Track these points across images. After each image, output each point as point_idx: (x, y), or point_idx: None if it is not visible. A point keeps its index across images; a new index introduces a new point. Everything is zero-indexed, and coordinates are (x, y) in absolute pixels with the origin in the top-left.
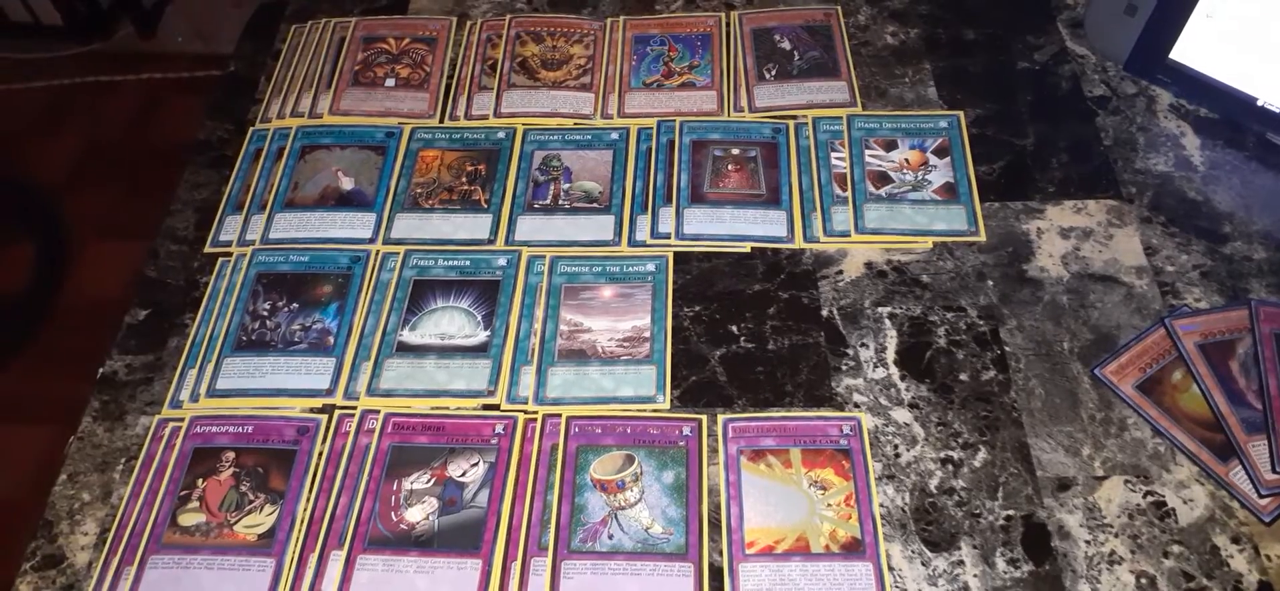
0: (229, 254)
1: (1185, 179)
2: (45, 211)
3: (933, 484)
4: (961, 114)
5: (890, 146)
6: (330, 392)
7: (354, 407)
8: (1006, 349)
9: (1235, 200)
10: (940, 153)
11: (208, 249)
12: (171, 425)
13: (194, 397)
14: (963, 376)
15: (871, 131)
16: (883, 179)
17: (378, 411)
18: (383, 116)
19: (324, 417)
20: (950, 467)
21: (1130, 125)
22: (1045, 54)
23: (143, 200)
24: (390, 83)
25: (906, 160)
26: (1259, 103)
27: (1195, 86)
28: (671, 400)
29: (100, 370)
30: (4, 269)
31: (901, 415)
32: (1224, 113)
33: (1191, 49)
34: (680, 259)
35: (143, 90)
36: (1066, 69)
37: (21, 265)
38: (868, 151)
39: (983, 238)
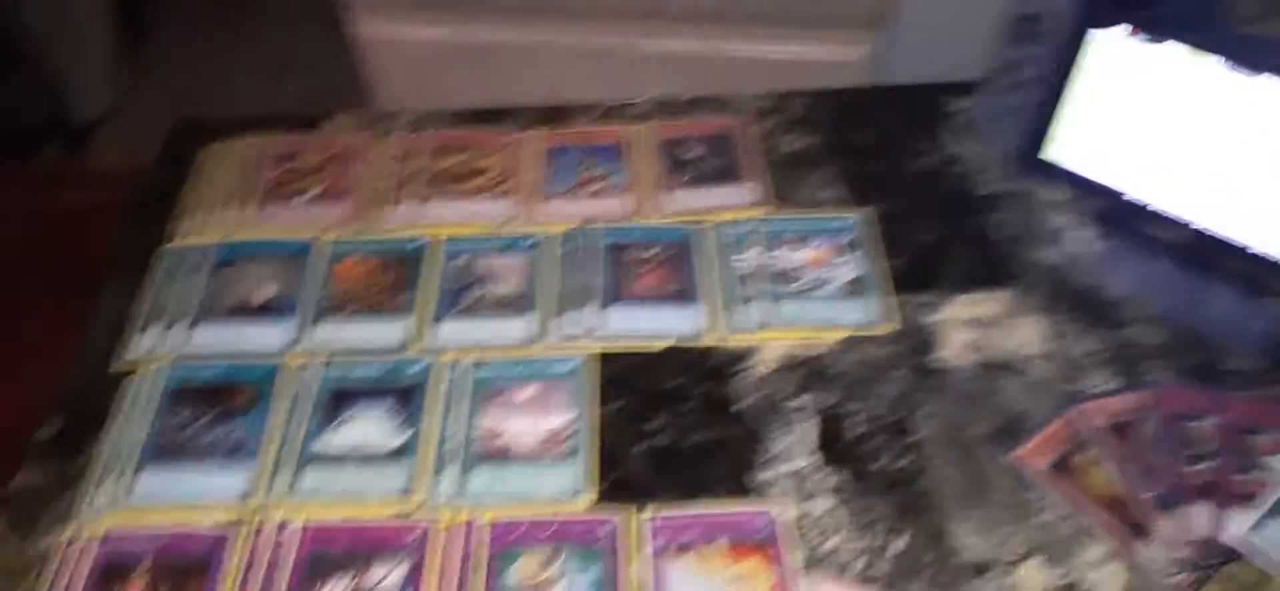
0: (145, 368)
1: (1079, 268)
2: None
3: (854, 572)
4: (865, 213)
5: (798, 245)
6: (246, 501)
7: (270, 516)
8: (919, 436)
9: (1128, 287)
10: (847, 249)
11: (122, 364)
12: (83, 540)
13: (106, 511)
14: (879, 464)
15: (780, 231)
16: (793, 276)
17: (294, 520)
18: (301, 228)
19: (240, 527)
20: (870, 556)
21: (1022, 220)
22: (940, 155)
23: (66, 321)
24: (309, 196)
25: (815, 257)
26: (1125, 197)
27: (1073, 182)
28: (593, 497)
29: (9, 486)
30: None
31: (821, 505)
32: (1106, 205)
33: (1062, 149)
34: (599, 357)
35: (68, 211)
36: (958, 169)
37: None
38: (777, 250)
39: (890, 329)
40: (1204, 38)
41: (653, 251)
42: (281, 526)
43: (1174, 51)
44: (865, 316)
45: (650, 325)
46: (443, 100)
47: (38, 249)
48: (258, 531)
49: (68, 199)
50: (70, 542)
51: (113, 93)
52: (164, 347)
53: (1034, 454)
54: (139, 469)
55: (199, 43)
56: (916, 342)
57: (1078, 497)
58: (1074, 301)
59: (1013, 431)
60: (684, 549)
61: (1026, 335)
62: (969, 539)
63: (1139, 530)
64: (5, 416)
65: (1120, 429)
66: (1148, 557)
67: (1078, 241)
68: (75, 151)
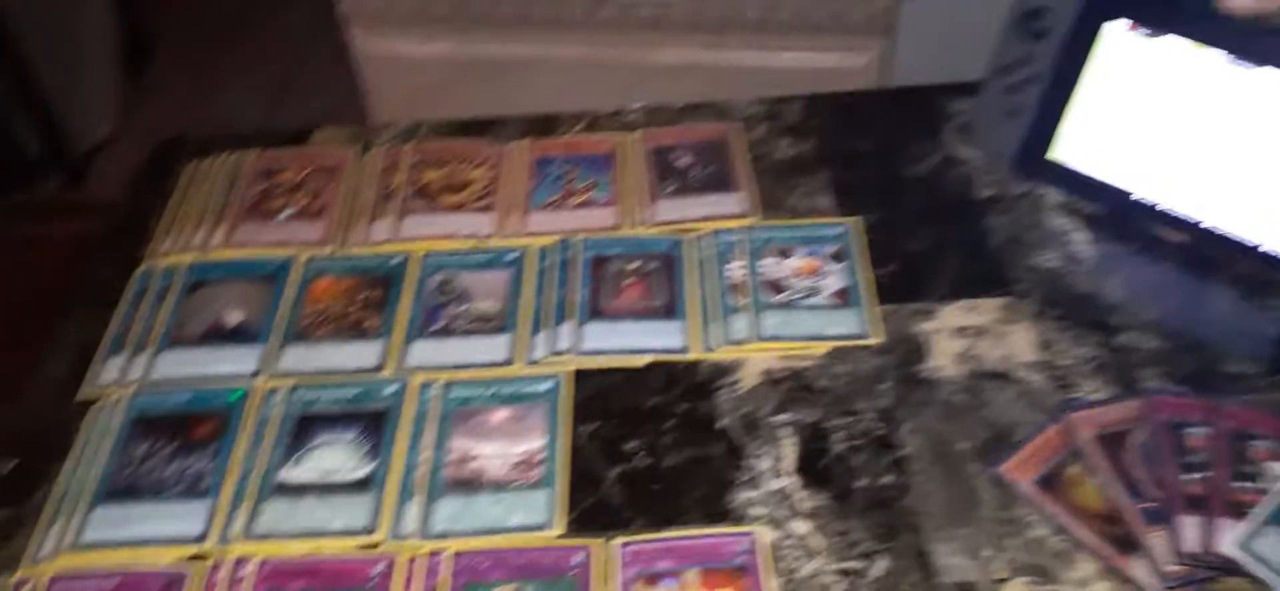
0: (107, 397)
1: (1075, 273)
2: None
3: None
4: (856, 220)
5: (786, 254)
6: (203, 539)
7: (228, 554)
8: (904, 451)
9: (1125, 292)
10: (836, 259)
11: (83, 394)
12: (30, 585)
13: (55, 553)
14: (861, 483)
15: (768, 240)
16: (779, 287)
17: (252, 557)
18: (277, 247)
19: (196, 566)
20: (851, 579)
21: (1020, 224)
22: (936, 159)
23: (29, 354)
24: (286, 214)
25: (802, 267)
26: (1133, 197)
27: (1077, 183)
28: (566, 526)
29: None
30: None
31: (800, 527)
32: (1106, 207)
33: (1069, 148)
34: (579, 375)
35: (69, 240)
36: (956, 173)
37: None
38: (765, 260)
39: (878, 340)
40: (1206, 31)
41: (636, 264)
42: (239, 564)
43: (1176, 46)
44: (853, 327)
45: (632, 341)
46: (442, 117)
47: (34, 279)
48: (215, 570)
49: (65, 228)
50: (19, 587)
51: (112, 121)
52: (130, 375)
53: (1022, 467)
54: (93, 507)
55: (199, 67)
56: (905, 353)
57: (1066, 512)
58: (1069, 307)
59: (1002, 444)
60: (656, 579)
61: (1019, 343)
62: (952, 559)
63: (1130, 545)
64: None
65: (1111, 439)
66: (1139, 574)
67: (1076, 244)
68: (74, 181)
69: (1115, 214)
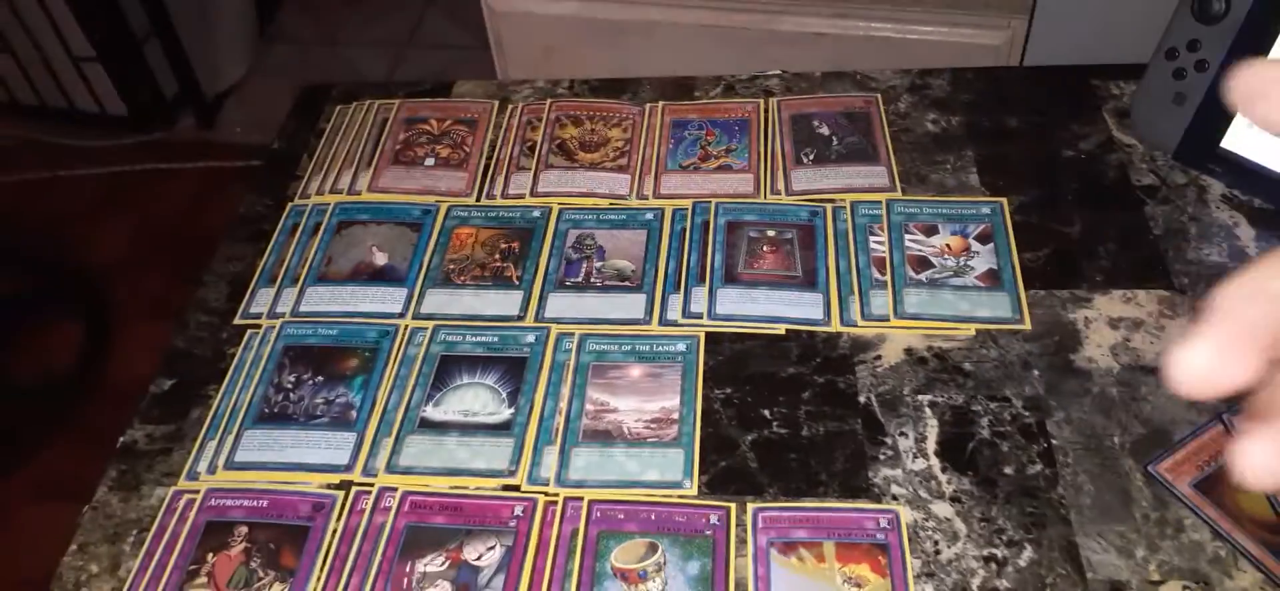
0: (258, 326)
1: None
2: (95, 293)
3: (975, 583)
4: (1005, 200)
5: (931, 231)
6: (349, 468)
7: (372, 484)
8: (1053, 442)
9: None
10: (983, 239)
11: (237, 321)
12: (186, 497)
13: (211, 470)
14: (1007, 470)
15: (912, 216)
16: (923, 264)
17: (395, 489)
18: (421, 194)
19: (341, 494)
20: (994, 567)
21: (1181, 215)
22: (1091, 142)
23: (190, 282)
24: (429, 162)
25: (948, 245)
26: None
27: (1248, 176)
28: (699, 486)
29: (120, 440)
30: (53, 349)
31: (942, 509)
32: (1277, 203)
33: (1243, 137)
34: (712, 340)
35: (200, 178)
36: (1113, 158)
37: (70, 345)
38: (908, 236)
39: (1028, 326)
40: None
41: (774, 232)
42: (381, 495)
43: None
44: (1002, 311)
45: (768, 309)
46: (571, 75)
47: (167, 215)
48: (356, 500)
49: (199, 168)
50: (173, 501)
51: (244, 66)
52: (280, 307)
53: (1180, 468)
54: (245, 430)
55: (325, 20)
56: (1056, 341)
57: (1227, 518)
58: None
59: (1158, 442)
60: (791, 547)
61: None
62: (1103, 556)
63: None
64: (134, 369)
65: None
66: None
67: (1243, 240)
68: (206, 121)
69: None
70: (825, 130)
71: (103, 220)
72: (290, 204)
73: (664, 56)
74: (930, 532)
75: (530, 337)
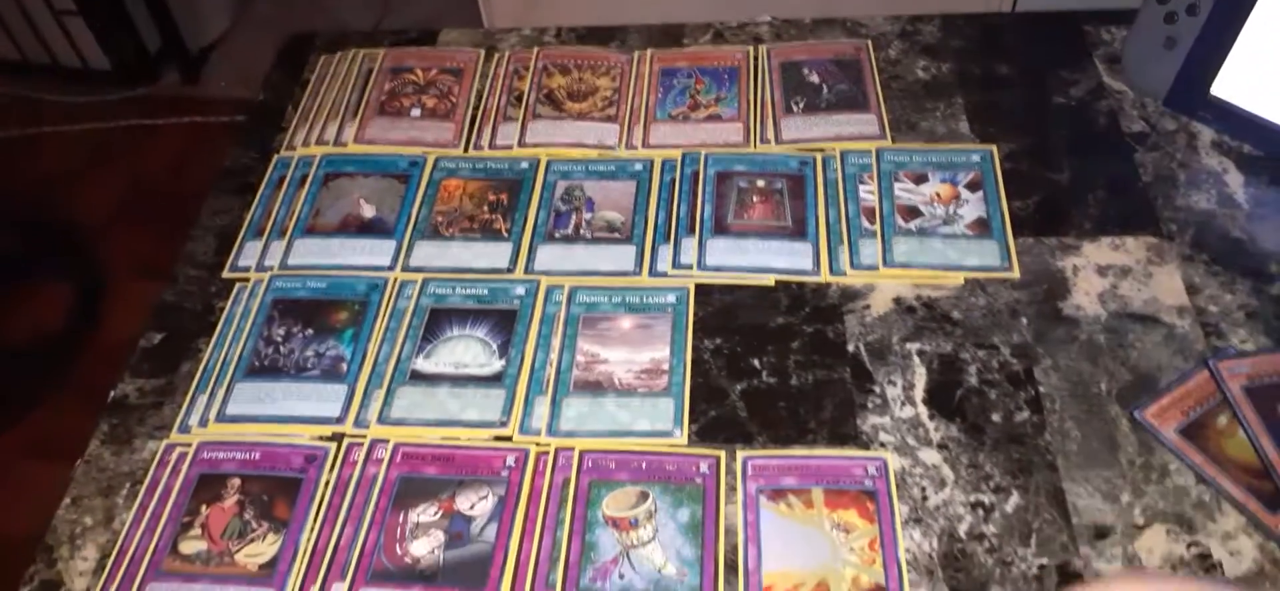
0: (247, 279)
1: (1229, 217)
2: (84, 251)
3: (962, 529)
4: (995, 148)
5: (920, 180)
6: (341, 420)
7: (363, 436)
8: (1041, 389)
9: None
10: (972, 187)
11: (226, 274)
12: (178, 450)
13: (203, 423)
14: (995, 417)
15: (901, 164)
16: (912, 212)
17: (387, 440)
18: (407, 145)
19: (332, 445)
20: (981, 512)
21: (1170, 161)
22: (1081, 89)
23: (179, 239)
24: (416, 113)
25: (937, 194)
26: None
27: (1238, 123)
28: (689, 435)
29: (111, 394)
30: (43, 308)
31: (930, 456)
32: (1269, 150)
33: (1234, 84)
34: (702, 290)
35: (185, 133)
36: (1103, 104)
37: (60, 304)
38: (897, 184)
39: (1016, 274)
40: None
41: (764, 182)
42: (374, 447)
43: None
44: (990, 259)
45: (758, 259)
46: (563, 23)
47: (154, 171)
48: (349, 451)
49: (184, 123)
50: (165, 454)
51: (228, 19)
52: (268, 260)
53: (1165, 414)
54: (236, 382)
55: None
56: (1045, 289)
57: (1211, 463)
58: (1221, 251)
59: (1144, 388)
60: (780, 494)
61: (1165, 286)
62: (1089, 500)
63: (1278, 502)
64: (123, 326)
65: (1262, 391)
66: None
67: (1231, 186)
68: (190, 76)
69: (1276, 156)
70: (815, 78)
71: (89, 178)
72: (276, 156)
73: (651, 2)
74: (918, 479)
75: (520, 290)
